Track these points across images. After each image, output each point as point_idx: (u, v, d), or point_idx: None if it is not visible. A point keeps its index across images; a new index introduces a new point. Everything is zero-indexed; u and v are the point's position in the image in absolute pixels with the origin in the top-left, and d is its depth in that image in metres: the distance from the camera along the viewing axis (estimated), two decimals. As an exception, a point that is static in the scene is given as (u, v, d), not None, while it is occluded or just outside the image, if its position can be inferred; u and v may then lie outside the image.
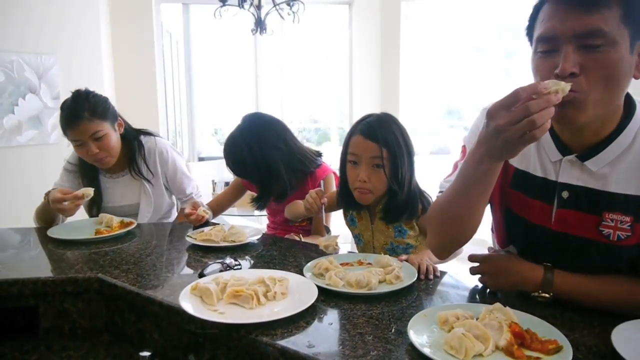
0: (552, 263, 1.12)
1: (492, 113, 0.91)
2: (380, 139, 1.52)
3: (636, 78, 0.99)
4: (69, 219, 2.02)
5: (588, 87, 0.94)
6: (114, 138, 2.01)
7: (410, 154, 1.59)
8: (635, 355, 0.83)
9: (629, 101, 1.05)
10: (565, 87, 0.87)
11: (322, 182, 2.04)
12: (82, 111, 1.90)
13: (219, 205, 2.27)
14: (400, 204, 1.58)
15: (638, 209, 1.01)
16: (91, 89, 2.03)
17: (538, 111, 0.84)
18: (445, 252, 1.26)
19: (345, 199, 1.69)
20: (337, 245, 1.49)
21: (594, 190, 1.05)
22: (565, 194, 1.08)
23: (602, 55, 0.92)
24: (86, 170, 2.10)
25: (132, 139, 2.13)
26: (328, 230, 1.64)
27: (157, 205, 2.18)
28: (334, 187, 2.07)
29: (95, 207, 2.13)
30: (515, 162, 1.17)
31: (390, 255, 1.56)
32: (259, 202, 2.16)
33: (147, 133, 2.21)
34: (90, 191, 1.89)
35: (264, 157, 1.98)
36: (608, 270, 1.09)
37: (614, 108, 1.02)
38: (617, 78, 0.95)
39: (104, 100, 2.01)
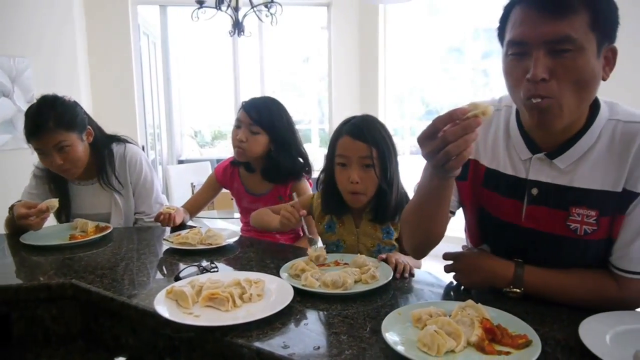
0: (524, 259, 1.15)
1: (419, 142, 0.95)
2: (369, 138, 1.51)
3: (604, 80, 1.02)
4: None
5: (559, 91, 0.97)
6: (80, 149, 1.90)
7: (395, 154, 1.59)
8: (600, 347, 0.85)
9: (594, 101, 1.08)
10: (486, 109, 0.89)
11: (293, 186, 2.02)
12: (46, 120, 1.79)
13: (195, 206, 2.23)
14: (391, 204, 1.58)
15: (602, 203, 1.05)
16: (66, 93, 1.94)
17: (455, 140, 0.88)
18: (419, 253, 1.30)
19: (331, 203, 1.65)
20: (325, 255, 1.47)
21: (562, 187, 1.08)
22: (534, 191, 1.11)
23: (570, 61, 0.95)
24: (54, 176, 2.01)
25: (103, 147, 2.03)
26: (313, 242, 1.60)
27: (128, 215, 2.11)
28: (308, 190, 2.06)
29: (64, 214, 2.06)
30: (486, 161, 1.20)
31: (376, 257, 1.56)
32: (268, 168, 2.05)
33: (120, 140, 2.13)
34: (54, 202, 1.80)
35: (286, 129, 2.01)
36: (577, 265, 1.12)
37: (583, 108, 1.05)
38: (585, 82, 0.98)
39: (72, 108, 1.91)
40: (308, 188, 2.08)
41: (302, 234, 2.11)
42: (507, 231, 1.18)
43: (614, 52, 1.02)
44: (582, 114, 1.06)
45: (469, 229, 1.35)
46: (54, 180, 2.03)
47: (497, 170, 1.18)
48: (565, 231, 1.09)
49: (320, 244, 1.57)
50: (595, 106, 1.08)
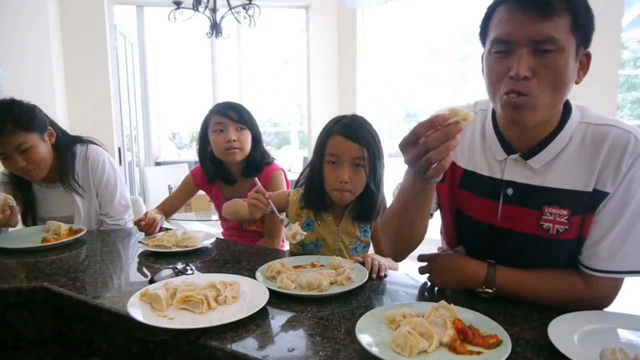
0: (499, 259, 1.18)
1: (401, 148, 0.97)
2: (361, 139, 1.52)
3: (577, 83, 1.06)
4: (16, 228, 1.94)
5: (539, 90, 1.00)
6: (42, 149, 1.89)
7: (382, 154, 1.60)
8: (568, 346, 0.87)
9: (566, 104, 1.12)
10: (467, 115, 0.90)
11: (271, 180, 2.07)
12: (4, 123, 1.78)
13: (171, 207, 2.20)
14: (377, 203, 1.60)
15: (574, 202, 1.08)
16: (40, 95, 1.94)
17: (437, 146, 0.90)
18: (400, 257, 1.31)
19: (313, 199, 1.64)
20: (303, 230, 1.48)
21: (535, 187, 1.11)
22: (509, 191, 1.14)
23: (552, 60, 0.99)
24: (18, 180, 1.98)
25: (65, 149, 2.01)
26: (285, 223, 1.59)
27: (91, 217, 2.08)
28: (283, 184, 2.09)
29: (30, 217, 2.04)
30: (463, 163, 1.23)
31: (353, 254, 1.58)
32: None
33: (83, 141, 2.10)
34: (7, 197, 1.78)
35: (256, 125, 2.11)
36: (549, 265, 1.14)
37: (556, 110, 1.08)
38: (563, 83, 1.01)
39: (30, 110, 1.89)
40: (283, 182, 2.12)
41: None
42: (482, 231, 1.20)
43: (588, 57, 1.06)
44: (555, 116, 1.10)
45: (445, 231, 1.37)
46: (18, 184, 2.00)
47: (473, 172, 1.21)
48: (539, 230, 1.11)
49: (290, 223, 1.56)
50: (567, 109, 1.11)
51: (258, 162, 2.08)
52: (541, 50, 0.99)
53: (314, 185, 1.63)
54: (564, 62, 0.99)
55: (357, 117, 1.61)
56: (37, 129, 1.88)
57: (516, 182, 1.13)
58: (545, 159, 1.10)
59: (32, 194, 2.04)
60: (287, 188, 2.10)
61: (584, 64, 1.06)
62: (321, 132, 1.61)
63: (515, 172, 1.14)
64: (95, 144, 2.13)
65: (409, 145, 0.95)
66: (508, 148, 1.15)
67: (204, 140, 2.09)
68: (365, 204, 1.61)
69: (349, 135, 1.52)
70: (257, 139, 2.07)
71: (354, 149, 1.52)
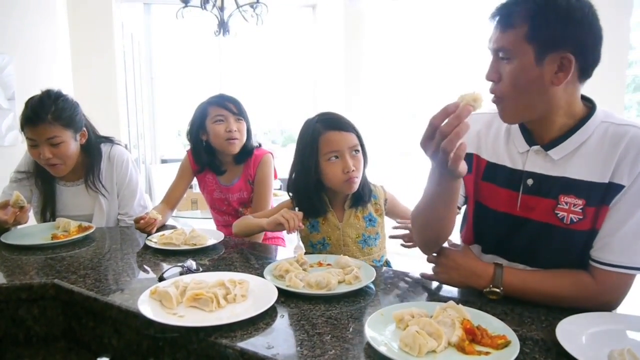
0: (511, 250, 1.23)
1: (422, 145, 1.05)
2: (351, 127, 1.64)
3: (557, 85, 1.09)
4: (24, 225, 1.95)
5: (504, 91, 1.13)
6: (72, 147, 1.91)
7: None
8: (576, 347, 0.88)
9: (592, 105, 1.17)
10: (475, 97, 0.99)
11: (261, 162, 2.18)
12: (45, 113, 1.81)
13: (175, 197, 2.26)
14: (365, 184, 1.68)
15: (589, 193, 1.11)
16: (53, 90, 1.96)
17: (452, 130, 0.96)
18: (429, 249, 1.33)
19: (315, 205, 1.67)
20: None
21: (554, 177, 1.15)
22: (530, 181, 1.19)
23: (508, 66, 1.11)
24: (41, 174, 2.01)
25: (94, 149, 2.04)
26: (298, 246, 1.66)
27: (111, 217, 2.11)
28: (272, 166, 2.21)
29: (49, 212, 2.06)
30: (487, 156, 1.28)
31: (362, 247, 1.64)
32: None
33: (109, 140, 2.14)
34: (20, 196, 1.78)
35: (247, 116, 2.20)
36: (560, 258, 1.16)
37: (572, 110, 1.14)
38: (522, 85, 1.10)
39: (73, 107, 1.93)
40: (272, 165, 2.23)
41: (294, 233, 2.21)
42: (499, 222, 1.24)
43: (569, 61, 1.07)
44: (577, 114, 1.14)
45: (465, 224, 1.39)
46: (40, 178, 2.02)
47: (496, 164, 1.26)
48: (553, 219, 1.14)
49: (300, 250, 1.62)
50: (591, 108, 1.16)
51: (250, 150, 2.20)
52: (501, 58, 1.12)
53: (310, 192, 1.66)
54: (519, 68, 1.08)
55: (332, 112, 1.71)
56: (74, 127, 1.92)
57: (536, 172, 1.18)
58: (565, 150, 1.14)
59: (53, 188, 2.06)
60: (275, 172, 2.26)
61: (565, 66, 1.07)
62: (303, 138, 1.66)
63: (536, 163, 1.18)
64: (118, 143, 2.16)
65: (428, 140, 1.01)
66: (530, 140, 1.20)
67: (198, 130, 2.16)
68: (358, 189, 1.67)
69: (342, 127, 1.62)
70: (249, 129, 2.19)
71: (349, 139, 1.61)
